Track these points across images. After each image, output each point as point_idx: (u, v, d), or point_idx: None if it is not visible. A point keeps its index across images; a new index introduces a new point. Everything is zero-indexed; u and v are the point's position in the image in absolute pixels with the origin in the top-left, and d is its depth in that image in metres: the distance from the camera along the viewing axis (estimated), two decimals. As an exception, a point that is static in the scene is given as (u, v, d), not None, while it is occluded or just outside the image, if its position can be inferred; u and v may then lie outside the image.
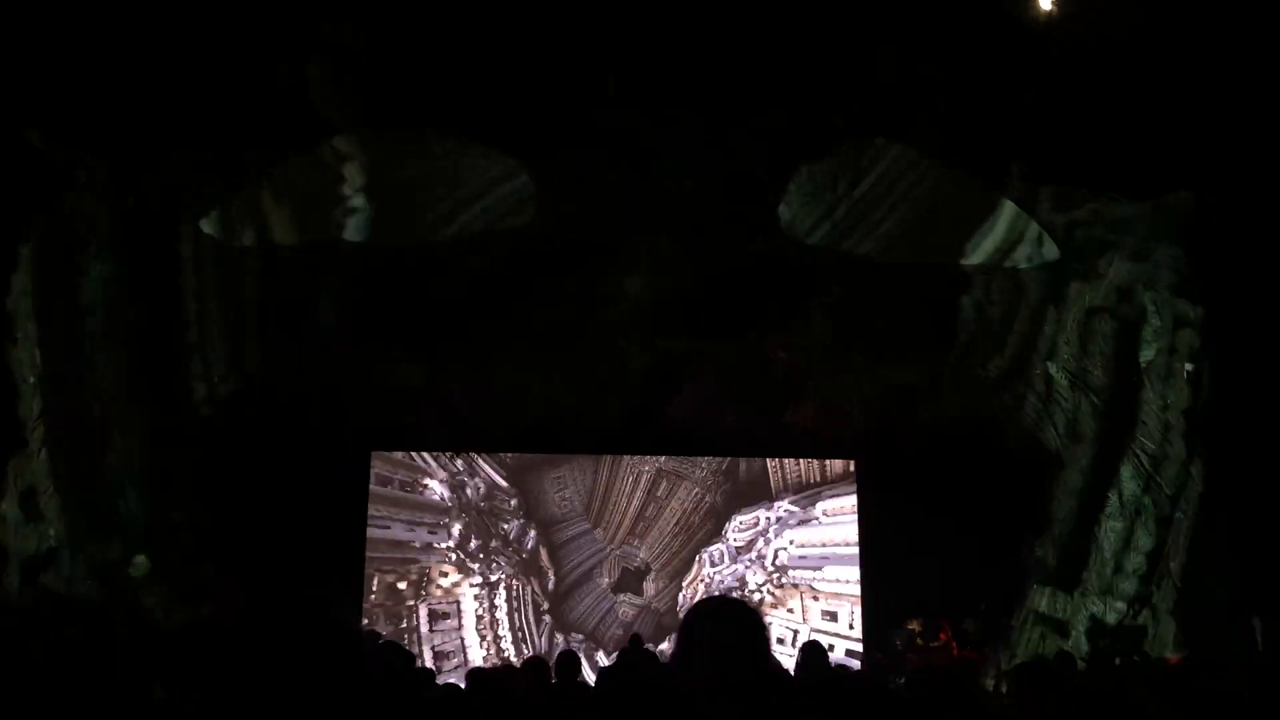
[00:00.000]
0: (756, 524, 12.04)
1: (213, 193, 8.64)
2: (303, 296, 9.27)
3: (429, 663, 11.02)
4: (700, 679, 2.42)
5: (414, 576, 11.76)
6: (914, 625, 10.48)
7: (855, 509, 11.95)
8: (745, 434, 11.41)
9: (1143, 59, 7.02)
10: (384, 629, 11.22)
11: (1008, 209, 8.17)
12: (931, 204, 8.38)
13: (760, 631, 2.50)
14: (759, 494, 12.03)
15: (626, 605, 11.91)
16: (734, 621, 2.51)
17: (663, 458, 11.78)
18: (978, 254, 8.45)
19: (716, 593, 11.65)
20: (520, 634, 11.70)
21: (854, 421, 10.96)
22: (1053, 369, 8.53)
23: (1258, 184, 7.42)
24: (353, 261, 9.19)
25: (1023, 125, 7.74)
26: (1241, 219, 7.51)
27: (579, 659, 8.18)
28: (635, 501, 11.97)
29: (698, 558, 11.97)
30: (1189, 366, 7.95)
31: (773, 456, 11.86)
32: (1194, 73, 7.04)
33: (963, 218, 8.33)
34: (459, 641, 11.71)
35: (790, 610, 12.00)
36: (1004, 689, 7.65)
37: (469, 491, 11.87)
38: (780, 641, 11.72)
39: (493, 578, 11.83)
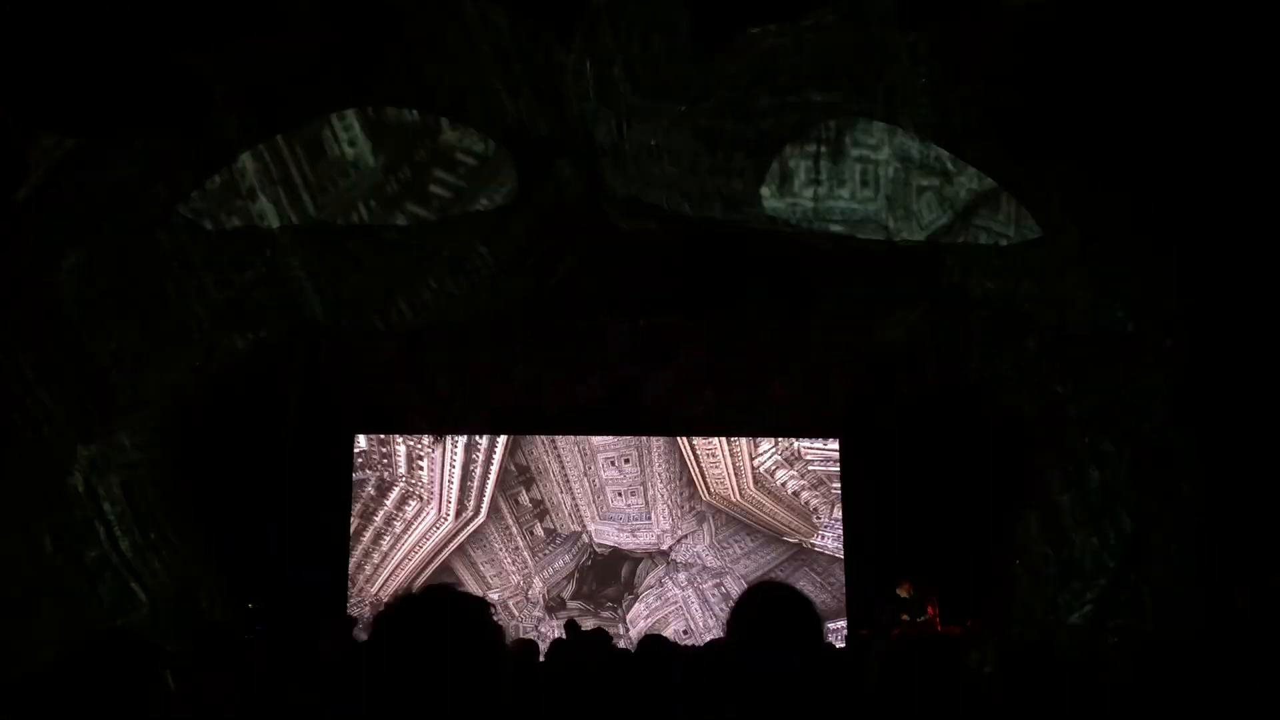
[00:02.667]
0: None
1: (190, 176, 8.54)
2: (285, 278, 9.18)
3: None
4: (755, 665, 2.41)
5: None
6: (903, 591, 10.49)
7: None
8: (726, 412, 11.40)
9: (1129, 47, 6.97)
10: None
11: (985, 184, 8.15)
12: (911, 177, 8.35)
13: (815, 618, 2.49)
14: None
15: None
16: (791, 607, 2.49)
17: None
18: (959, 229, 8.42)
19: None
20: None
21: (835, 396, 10.95)
22: (1028, 340, 8.53)
23: (1244, 175, 7.39)
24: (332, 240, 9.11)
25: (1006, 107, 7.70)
26: (1225, 202, 7.48)
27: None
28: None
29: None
30: (1169, 341, 7.94)
31: (754, 436, 11.86)
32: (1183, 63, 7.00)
33: (943, 192, 8.30)
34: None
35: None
36: (988, 666, 7.68)
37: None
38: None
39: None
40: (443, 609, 1.90)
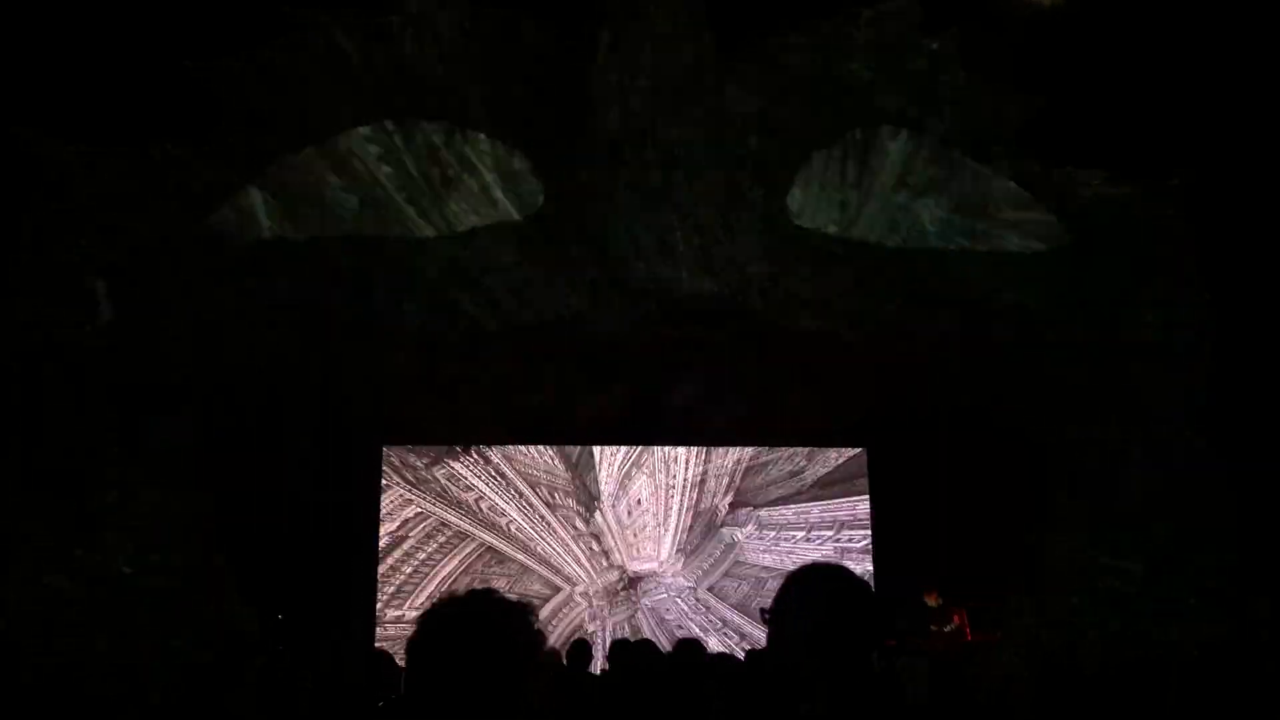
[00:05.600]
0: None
1: (211, 184, 8.59)
2: (308, 288, 9.23)
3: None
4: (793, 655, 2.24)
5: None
6: (931, 599, 10.43)
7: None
8: (750, 422, 11.38)
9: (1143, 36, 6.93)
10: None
11: (1009, 189, 8.09)
12: (938, 186, 8.31)
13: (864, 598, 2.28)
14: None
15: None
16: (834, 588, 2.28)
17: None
18: (980, 236, 8.37)
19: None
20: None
21: (860, 406, 10.90)
22: (1053, 350, 8.45)
23: (1262, 166, 7.33)
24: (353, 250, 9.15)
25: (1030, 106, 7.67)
26: (1246, 201, 7.42)
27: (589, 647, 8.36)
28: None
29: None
30: (1195, 347, 7.86)
31: (778, 446, 11.87)
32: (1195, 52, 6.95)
33: (964, 199, 8.25)
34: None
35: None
36: (1015, 676, 7.61)
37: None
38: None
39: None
40: (484, 612, 1.94)
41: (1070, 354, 8.28)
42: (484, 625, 1.95)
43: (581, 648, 8.18)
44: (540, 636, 2.03)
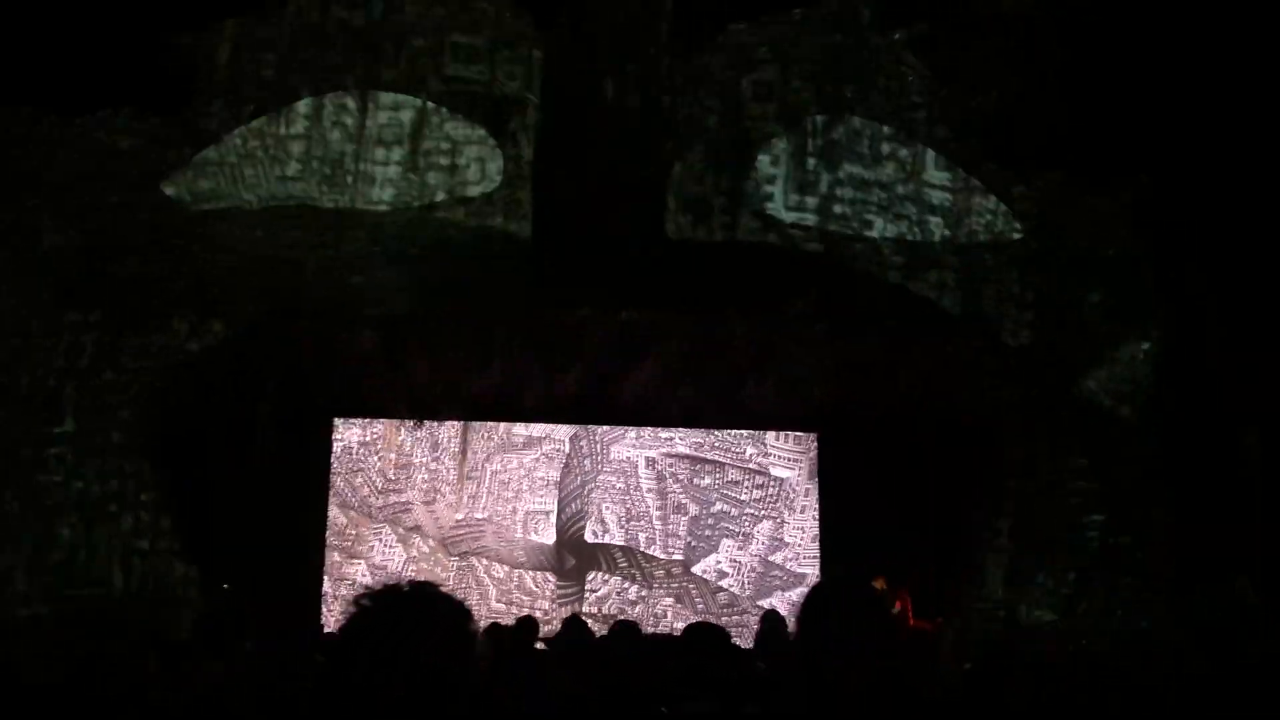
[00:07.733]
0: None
1: (174, 153, 8.47)
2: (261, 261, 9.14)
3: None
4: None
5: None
6: (879, 583, 10.52)
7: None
8: (705, 406, 11.43)
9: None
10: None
11: (967, 186, 8.17)
12: (899, 179, 8.37)
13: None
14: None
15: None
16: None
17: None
18: (941, 231, 8.44)
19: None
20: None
21: (815, 395, 10.99)
22: (1009, 340, 8.56)
23: (1220, 169, 7.46)
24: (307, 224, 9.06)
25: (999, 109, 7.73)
26: (1204, 203, 7.55)
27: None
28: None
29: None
30: (1144, 345, 8.02)
31: (732, 429, 11.92)
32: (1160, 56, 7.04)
33: (929, 196, 8.32)
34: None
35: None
36: (957, 664, 7.76)
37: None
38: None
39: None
40: (423, 608, 1.92)
41: (1020, 354, 8.42)
42: (426, 623, 1.89)
43: (529, 625, 8.22)
44: (475, 638, 2.02)
